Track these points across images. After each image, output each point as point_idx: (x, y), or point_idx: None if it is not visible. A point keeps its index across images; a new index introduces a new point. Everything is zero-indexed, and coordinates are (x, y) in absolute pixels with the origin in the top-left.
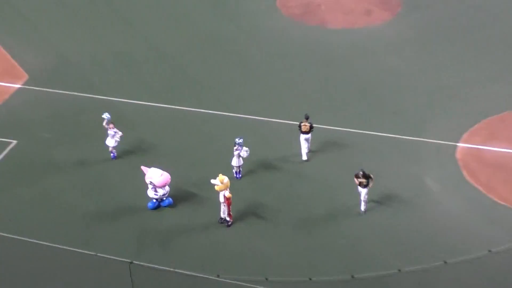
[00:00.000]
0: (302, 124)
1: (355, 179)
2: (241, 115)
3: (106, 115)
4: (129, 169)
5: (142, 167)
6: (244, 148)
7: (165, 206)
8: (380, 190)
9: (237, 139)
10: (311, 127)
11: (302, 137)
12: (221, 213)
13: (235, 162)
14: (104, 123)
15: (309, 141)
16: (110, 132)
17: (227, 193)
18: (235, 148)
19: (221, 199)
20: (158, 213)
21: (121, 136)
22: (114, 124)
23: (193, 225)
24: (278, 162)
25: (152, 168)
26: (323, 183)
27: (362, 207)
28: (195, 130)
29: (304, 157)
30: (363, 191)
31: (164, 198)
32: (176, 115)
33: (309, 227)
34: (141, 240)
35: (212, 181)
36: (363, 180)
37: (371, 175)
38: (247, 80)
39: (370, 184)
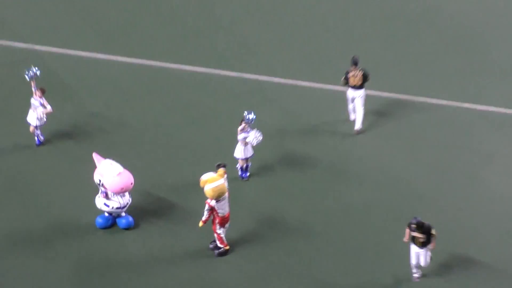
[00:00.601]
0: (349, 73)
1: (407, 231)
2: (252, 76)
3: (32, 71)
4: (66, 161)
5: (95, 155)
6: (254, 131)
7: (122, 228)
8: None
9: (246, 114)
10: (364, 77)
11: (351, 94)
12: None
13: (240, 152)
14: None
15: (363, 100)
16: (34, 102)
17: (211, 200)
18: (240, 128)
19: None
20: (112, 235)
21: (48, 114)
22: (43, 91)
23: (167, 256)
24: (310, 148)
25: (107, 160)
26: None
27: (416, 275)
28: (179, 98)
29: (358, 126)
30: (418, 252)
31: (122, 214)
32: (152, 75)
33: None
34: (82, 278)
35: (204, 176)
36: (420, 236)
37: (433, 229)
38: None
39: (432, 245)
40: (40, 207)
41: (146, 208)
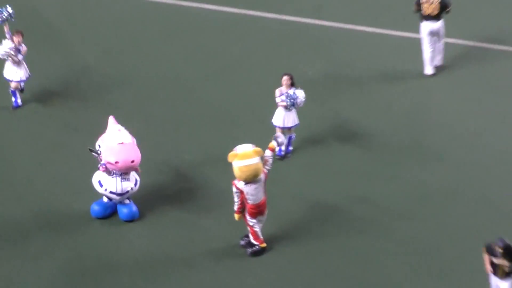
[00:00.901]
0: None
1: (486, 257)
2: (293, 18)
3: (4, 12)
4: (52, 129)
5: (111, 119)
6: (292, 91)
7: (124, 219)
8: None
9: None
10: (443, 5)
11: (425, 27)
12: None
13: (279, 119)
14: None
15: (441, 36)
16: (4, 47)
17: (238, 181)
18: (279, 92)
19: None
20: (111, 228)
21: (24, 54)
22: (21, 35)
23: (182, 255)
24: (368, 112)
25: (117, 126)
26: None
27: None
28: (200, 45)
29: (429, 70)
30: (500, 285)
31: (126, 201)
32: (166, 15)
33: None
34: (71, 283)
35: (237, 148)
36: (506, 264)
37: None
38: None
39: None
40: (18, 189)
41: (155, 193)
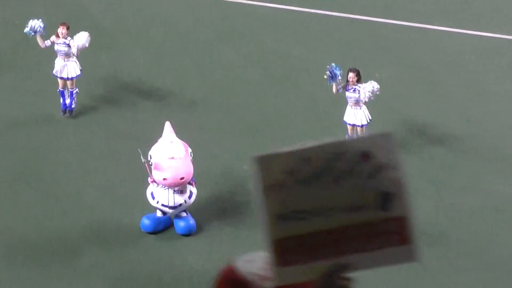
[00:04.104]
0: None
1: None
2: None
3: (32, 27)
4: (101, 136)
5: (168, 125)
6: (367, 84)
7: (180, 233)
8: None
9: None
10: None
11: None
12: None
13: (351, 116)
14: (40, 41)
15: None
16: (60, 46)
17: None
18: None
19: None
20: (164, 243)
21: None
22: (67, 27)
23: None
24: (438, 117)
25: (171, 136)
26: None
27: None
28: (257, 46)
29: None
30: None
31: (183, 214)
32: (222, 13)
33: None
34: None
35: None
36: None
37: None
38: None
39: None
40: (64, 201)
41: (211, 207)
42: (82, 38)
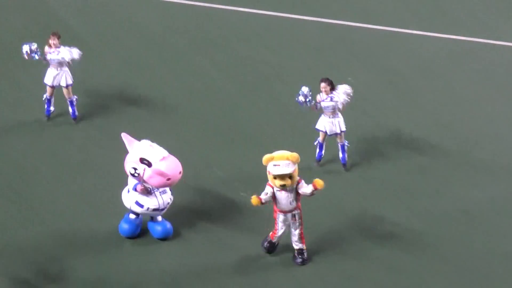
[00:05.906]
0: None
1: None
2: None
3: (27, 51)
4: (73, 144)
5: (124, 135)
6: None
7: (157, 237)
8: None
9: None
10: None
11: None
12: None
13: (328, 125)
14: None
15: None
16: (53, 55)
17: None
18: (319, 98)
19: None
20: (141, 248)
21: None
22: (58, 36)
23: (218, 277)
24: (420, 126)
25: (144, 141)
26: None
27: None
28: (232, 55)
29: None
30: None
31: (158, 218)
32: (199, 21)
33: None
34: None
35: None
36: None
37: None
38: None
39: None
40: (41, 207)
41: (189, 210)
42: (75, 54)
